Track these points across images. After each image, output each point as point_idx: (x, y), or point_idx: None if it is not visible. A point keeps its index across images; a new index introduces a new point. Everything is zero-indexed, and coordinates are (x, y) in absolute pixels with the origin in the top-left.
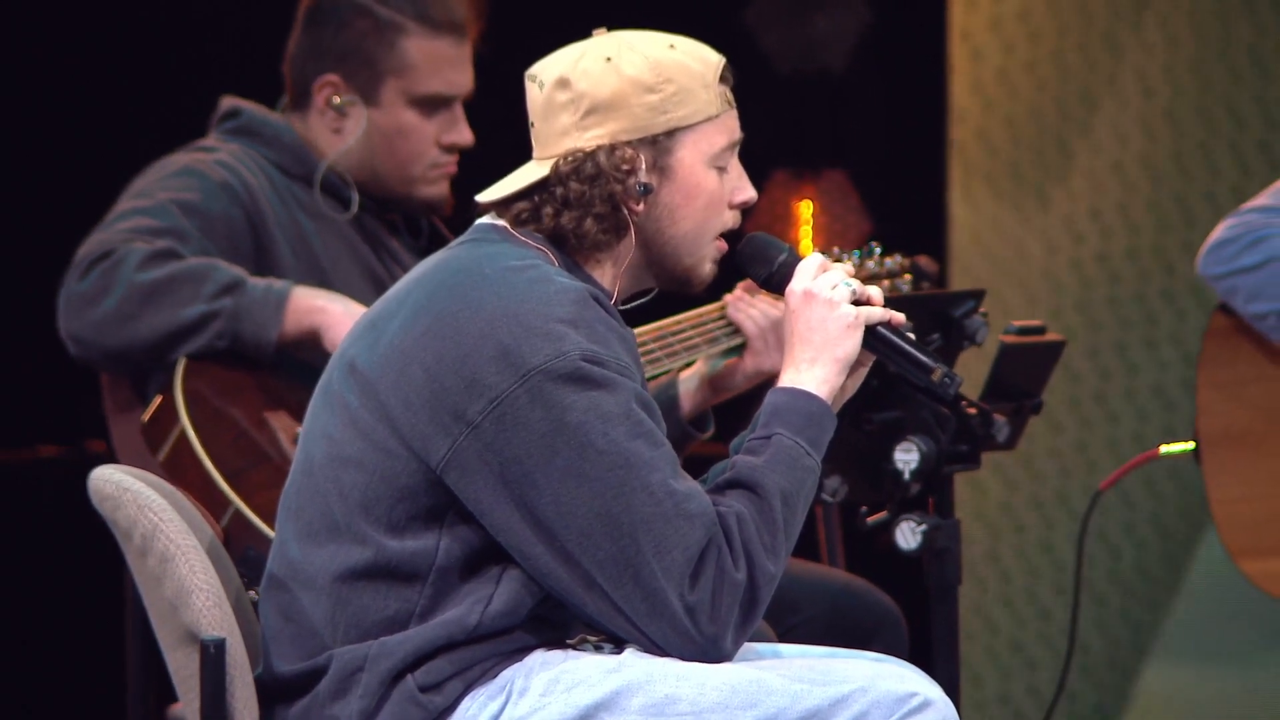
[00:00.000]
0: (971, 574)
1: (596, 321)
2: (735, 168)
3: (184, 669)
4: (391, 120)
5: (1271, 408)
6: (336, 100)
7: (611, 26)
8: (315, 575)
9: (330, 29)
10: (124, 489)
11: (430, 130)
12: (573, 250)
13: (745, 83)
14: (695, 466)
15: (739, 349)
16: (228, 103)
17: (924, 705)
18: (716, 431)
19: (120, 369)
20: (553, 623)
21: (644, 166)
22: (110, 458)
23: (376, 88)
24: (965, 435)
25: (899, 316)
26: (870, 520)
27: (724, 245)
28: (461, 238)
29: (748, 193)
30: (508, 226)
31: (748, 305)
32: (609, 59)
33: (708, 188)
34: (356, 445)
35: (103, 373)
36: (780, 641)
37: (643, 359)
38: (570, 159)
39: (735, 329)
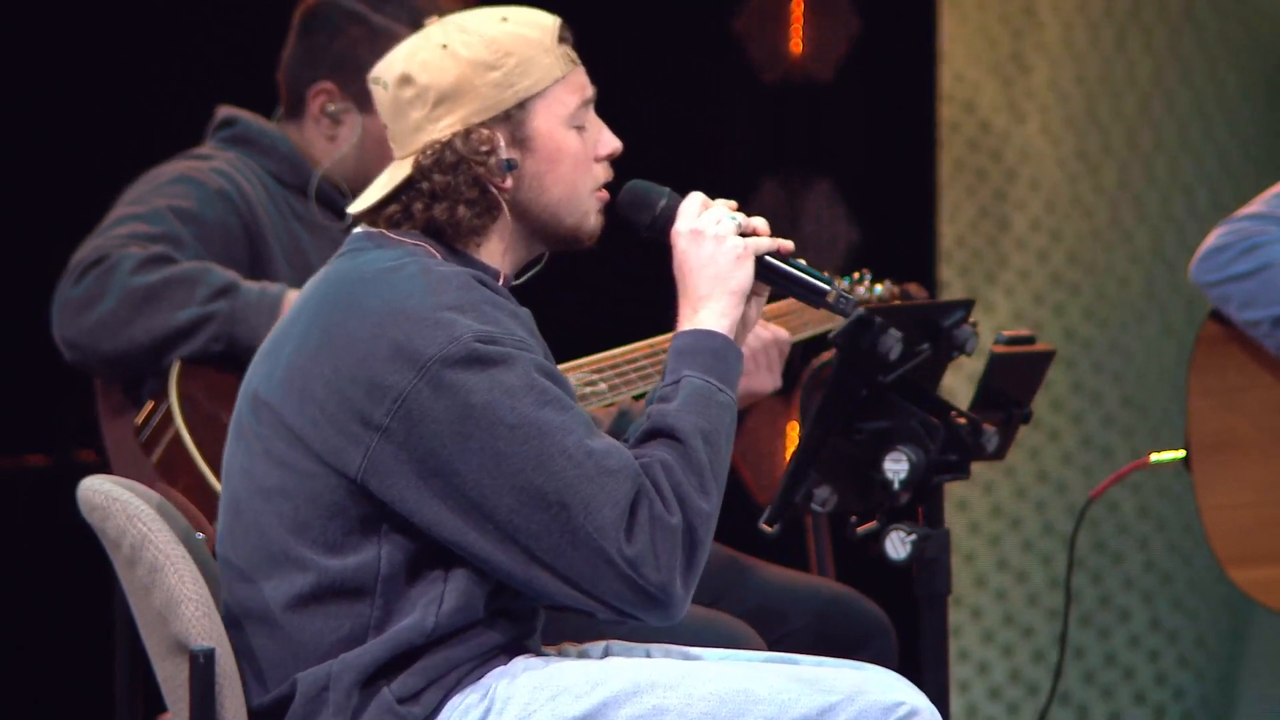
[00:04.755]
0: (961, 583)
1: (483, 302)
2: (594, 123)
3: (173, 679)
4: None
5: (1262, 415)
6: (331, 108)
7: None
8: (264, 610)
9: (324, 36)
10: (113, 499)
11: None
12: (451, 239)
13: (733, 92)
14: None
15: None
16: (223, 112)
17: (911, 714)
18: None
19: (116, 373)
20: (514, 614)
21: (503, 143)
22: (99, 467)
23: (370, 95)
24: (955, 445)
25: (787, 244)
26: (860, 530)
27: (605, 195)
28: (338, 252)
29: (612, 144)
30: (382, 231)
31: None
32: (445, 46)
33: (570, 149)
34: (275, 474)
35: (97, 377)
36: (770, 651)
37: (637, 377)
38: (429, 152)
39: None
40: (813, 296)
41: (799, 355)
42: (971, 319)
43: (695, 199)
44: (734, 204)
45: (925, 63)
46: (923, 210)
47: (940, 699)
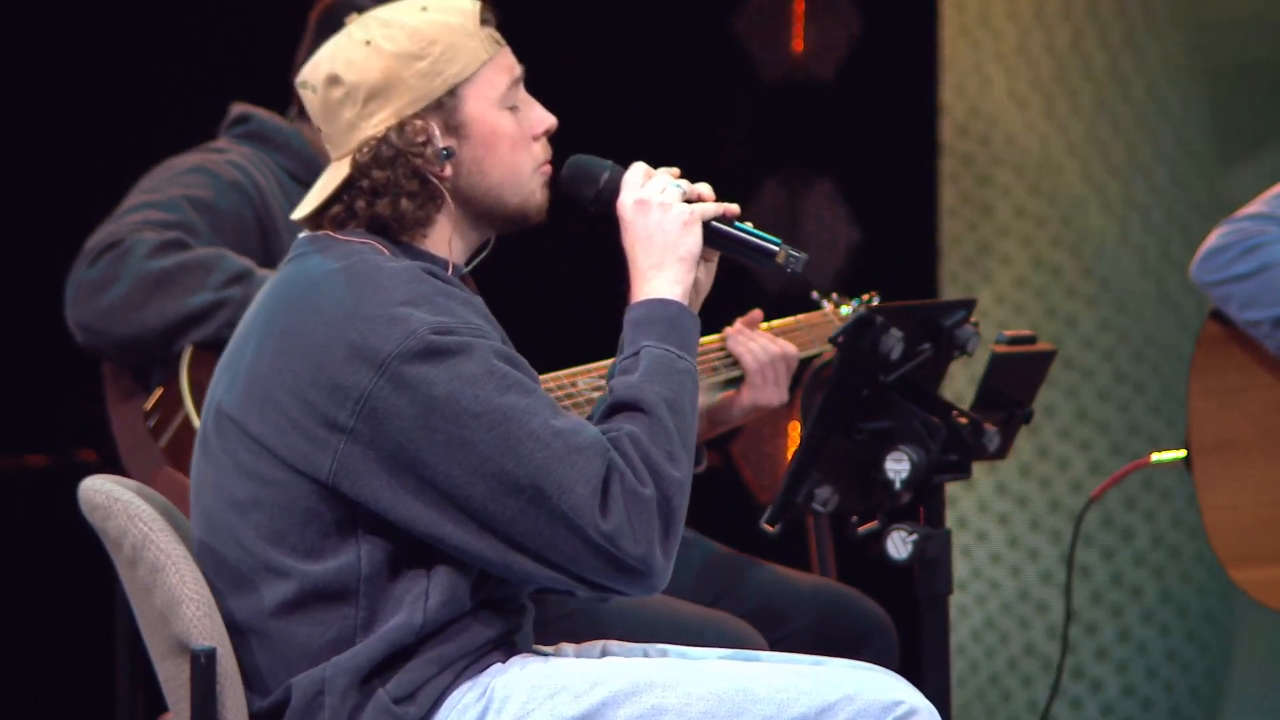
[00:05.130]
0: (962, 582)
1: (435, 294)
2: (527, 101)
3: (174, 679)
4: None
5: (1263, 416)
6: None
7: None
8: (250, 621)
9: None
10: (114, 499)
11: None
12: (396, 233)
13: (734, 91)
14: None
15: (737, 381)
16: (238, 108)
17: (910, 713)
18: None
19: (128, 358)
20: (502, 607)
21: (438, 132)
22: (100, 467)
23: None
24: (956, 445)
25: (733, 208)
26: (861, 530)
27: (548, 170)
28: (285, 259)
29: (547, 120)
30: (326, 233)
31: (747, 338)
32: (368, 42)
33: (505, 130)
34: (246, 486)
35: (108, 362)
36: (771, 650)
37: None
38: (365, 149)
39: (734, 361)
40: (762, 258)
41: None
42: (973, 319)
43: (638, 169)
44: (677, 171)
45: (926, 63)
46: (923, 210)
47: (941, 699)
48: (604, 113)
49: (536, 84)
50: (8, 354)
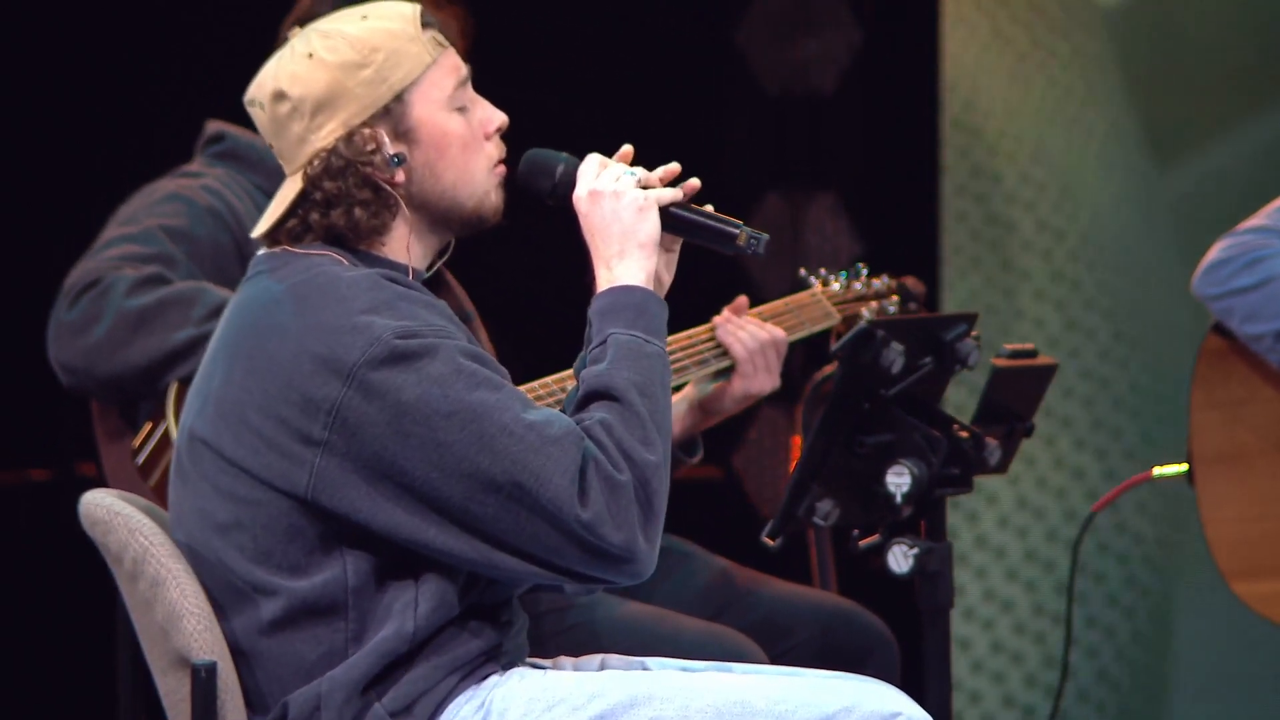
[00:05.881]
0: (964, 596)
1: (396, 299)
2: (476, 101)
3: (175, 693)
4: None
5: (1265, 428)
6: None
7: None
8: (242, 641)
9: None
10: (115, 513)
11: None
12: (353, 243)
13: (735, 103)
14: (689, 493)
15: (727, 371)
16: (213, 127)
17: None
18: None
19: (113, 396)
20: (493, 611)
21: (387, 139)
22: (101, 482)
23: None
24: (957, 458)
25: (693, 184)
26: (862, 544)
27: (503, 170)
28: (243, 279)
29: (497, 119)
30: (284, 249)
31: (736, 327)
32: (310, 55)
33: (456, 133)
34: (227, 509)
35: (94, 400)
36: (773, 664)
37: None
38: (316, 162)
39: (724, 350)
40: (723, 241)
41: (800, 365)
42: (975, 332)
43: (592, 160)
44: (630, 151)
45: (929, 74)
46: (925, 221)
47: (943, 713)
48: (604, 124)
49: (536, 91)
50: (8, 368)
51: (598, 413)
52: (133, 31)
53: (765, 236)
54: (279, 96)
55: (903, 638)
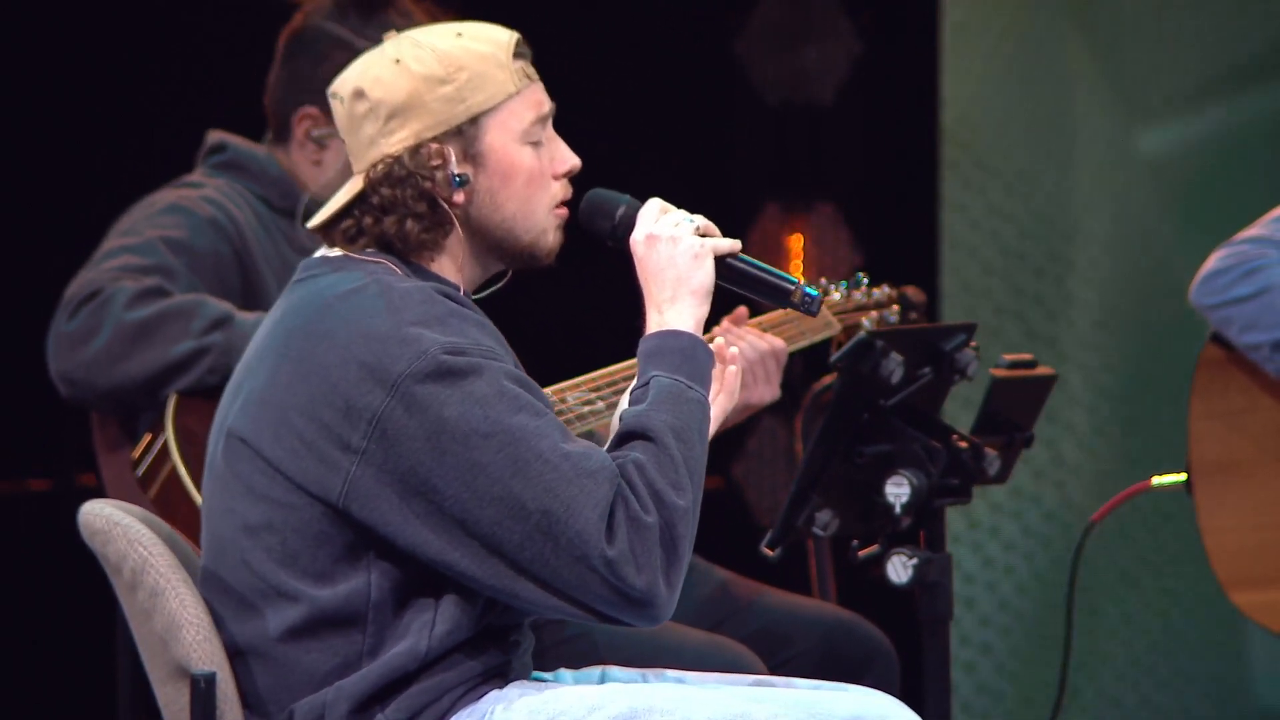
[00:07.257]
0: (963, 607)
1: (448, 315)
2: (552, 139)
3: (174, 703)
4: None
5: (1263, 438)
6: (315, 133)
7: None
8: (256, 645)
9: (308, 61)
10: (114, 523)
11: None
12: (404, 253)
13: (735, 115)
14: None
15: None
16: (214, 137)
17: None
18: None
19: (113, 408)
20: (502, 637)
21: (454, 158)
22: (100, 492)
23: None
24: (956, 469)
25: (736, 244)
26: (862, 554)
27: (564, 212)
28: (295, 278)
29: (570, 161)
30: (339, 253)
31: (736, 337)
32: (398, 61)
33: (524, 166)
34: (259, 509)
35: (93, 412)
36: (773, 675)
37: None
38: (379, 166)
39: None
40: (776, 296)
41: (799, 375)
42: (974, 342)
43: (653, 205)
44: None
45: (928, 85)
46: (925, 232)
47: None
48: (605, 136)
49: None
50: (8, 379)
51: (632, 452)
52: (134, 41)
53: (820, 295)
54: (358, 95)
55: (902, 648)
